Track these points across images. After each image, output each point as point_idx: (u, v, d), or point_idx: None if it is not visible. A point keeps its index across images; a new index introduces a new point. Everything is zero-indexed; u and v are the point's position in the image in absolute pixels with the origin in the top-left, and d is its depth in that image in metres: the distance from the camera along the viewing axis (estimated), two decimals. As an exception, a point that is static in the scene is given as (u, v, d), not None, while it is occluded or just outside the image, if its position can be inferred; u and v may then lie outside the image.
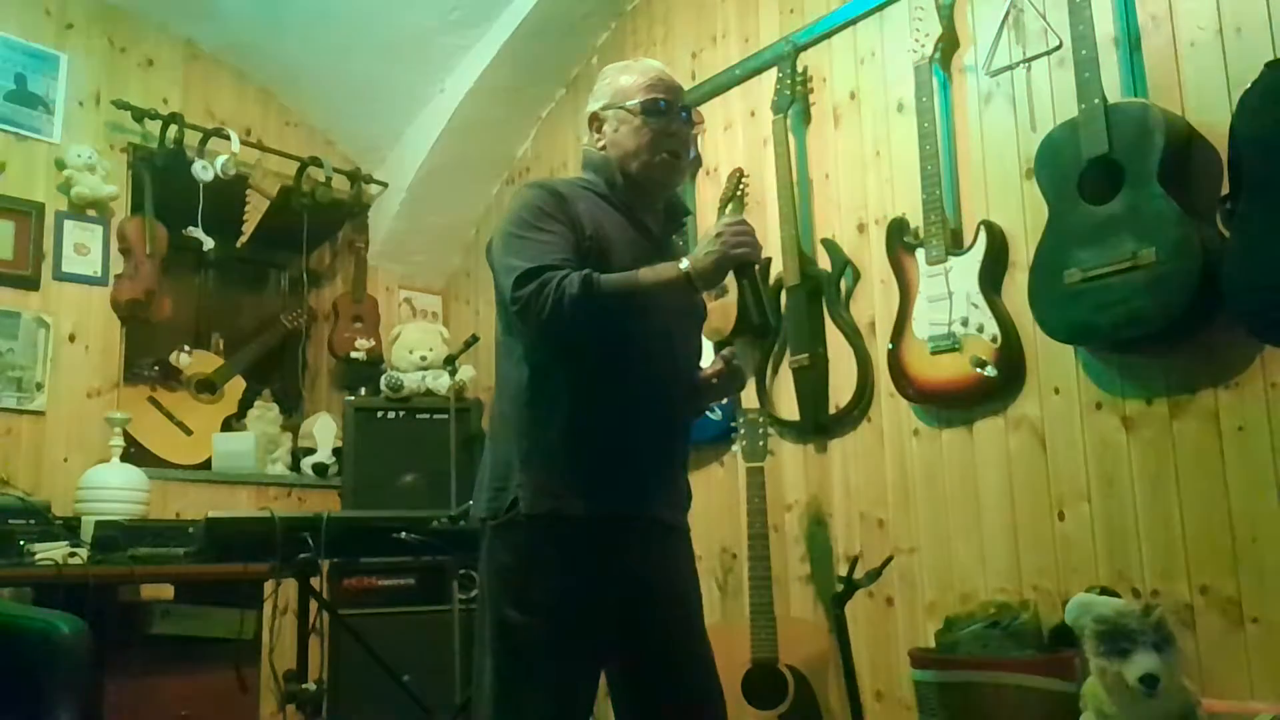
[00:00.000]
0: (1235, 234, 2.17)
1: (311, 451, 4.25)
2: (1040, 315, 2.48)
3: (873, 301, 3.03)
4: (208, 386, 4.29)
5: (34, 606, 2.43)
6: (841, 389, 3.05)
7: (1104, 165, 2.33)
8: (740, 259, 1.71)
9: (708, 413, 3.04)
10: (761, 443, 2.99)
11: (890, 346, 2.85)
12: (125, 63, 3.99)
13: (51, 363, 3.61)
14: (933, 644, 2.57)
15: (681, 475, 1.91)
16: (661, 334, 1.82)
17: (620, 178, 1.88)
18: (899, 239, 2.86)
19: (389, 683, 2.87)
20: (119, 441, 3.45)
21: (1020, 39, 2.71)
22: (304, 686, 2.64)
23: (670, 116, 1.87)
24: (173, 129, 3.91)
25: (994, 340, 2.62)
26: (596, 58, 4.17)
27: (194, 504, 3.74)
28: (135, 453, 3.71)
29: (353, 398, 4.18)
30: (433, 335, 4.36)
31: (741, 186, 3.43)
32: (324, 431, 4.27)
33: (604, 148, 1.90)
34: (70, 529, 3.02)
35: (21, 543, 2.73)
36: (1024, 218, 2.67)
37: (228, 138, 4.02)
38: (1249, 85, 2.17)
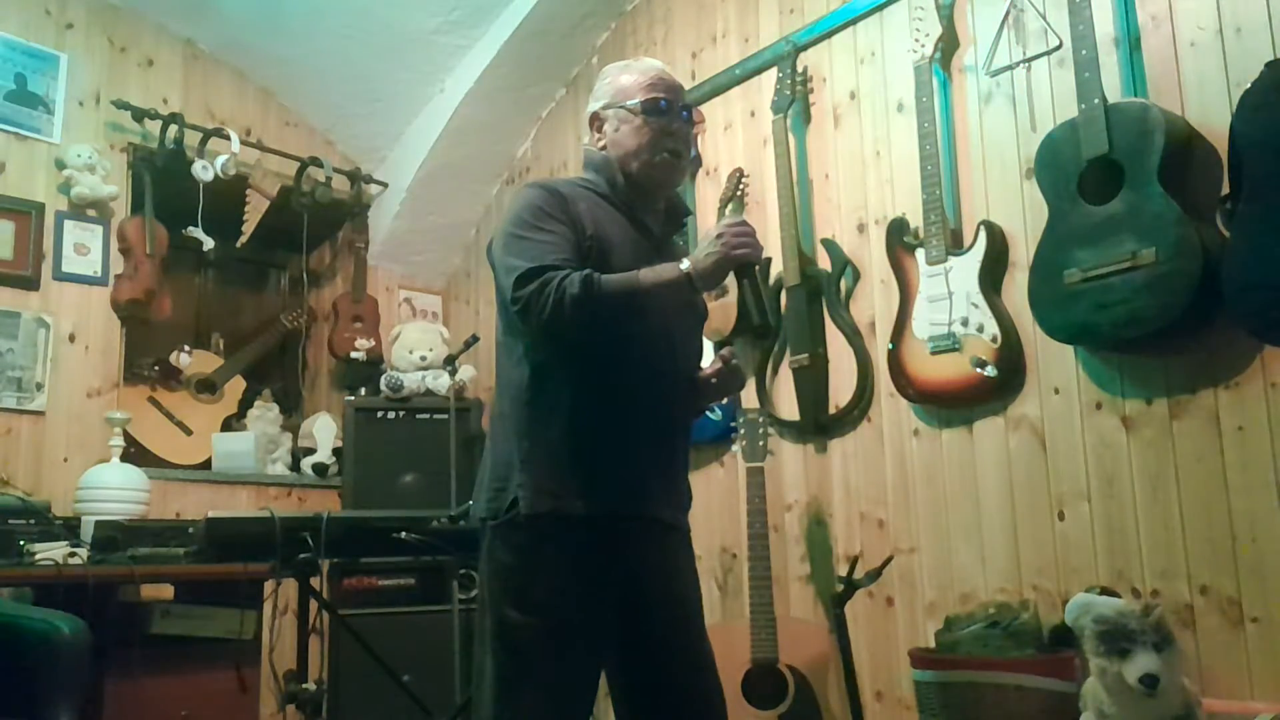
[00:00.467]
0: (1235, 234, 2.17)
1: (311, 451, 4.25)
2: (1040, 315, 2.48)
3: (873, 301, 3.03)
4: (208, 386, 4.29)
5: (34, 606, 2.44)
6: (841, 389, 3.05)
7: (1104, 165, 2.34)
8: (741, 259, 1.71)
9: (708, 413, 3.05)
10: (761, 443, 2.99)
11: (890, 346, 2.85)
12: (125, 63, 3.99)
13: (51, 363, 3.61)
14: (933, 644, 2.57)
15: (682, 476, 1.91)
16: (662, 334, 1.82)
17: (621, 177, 1.88)
18: (899, 239, 2.86)
19: (389, 683, 2.87)
20: (119, 441, 3.45)
21: (1020, 39, 2.71)
22: (304, 686, 2.64)
23: (671, 116, 1.87)
24: (173, 129, 3.92)
25: (994, 340, 2.62)
26: (596, 58, 4.17)
27: (194, 504, 3.74)
28: (135, 453, 3.72)
29: (353, 398, 4.18)
30: (433, 335, 4.36)
31: (741, 186, 3.43)
32: (324, 431, 4.27)
33: (604, 147, 1.90)
34: (70, 529, 3.02)
35: (21, 543, 2.74)
36: (1024, 218, 2.67)
37: (228, 138, 4.02)
38: (1249, 85, 2.17)
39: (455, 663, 3.32)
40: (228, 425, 4.27)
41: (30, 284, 3.62)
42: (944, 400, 2.77)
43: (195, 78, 4.19)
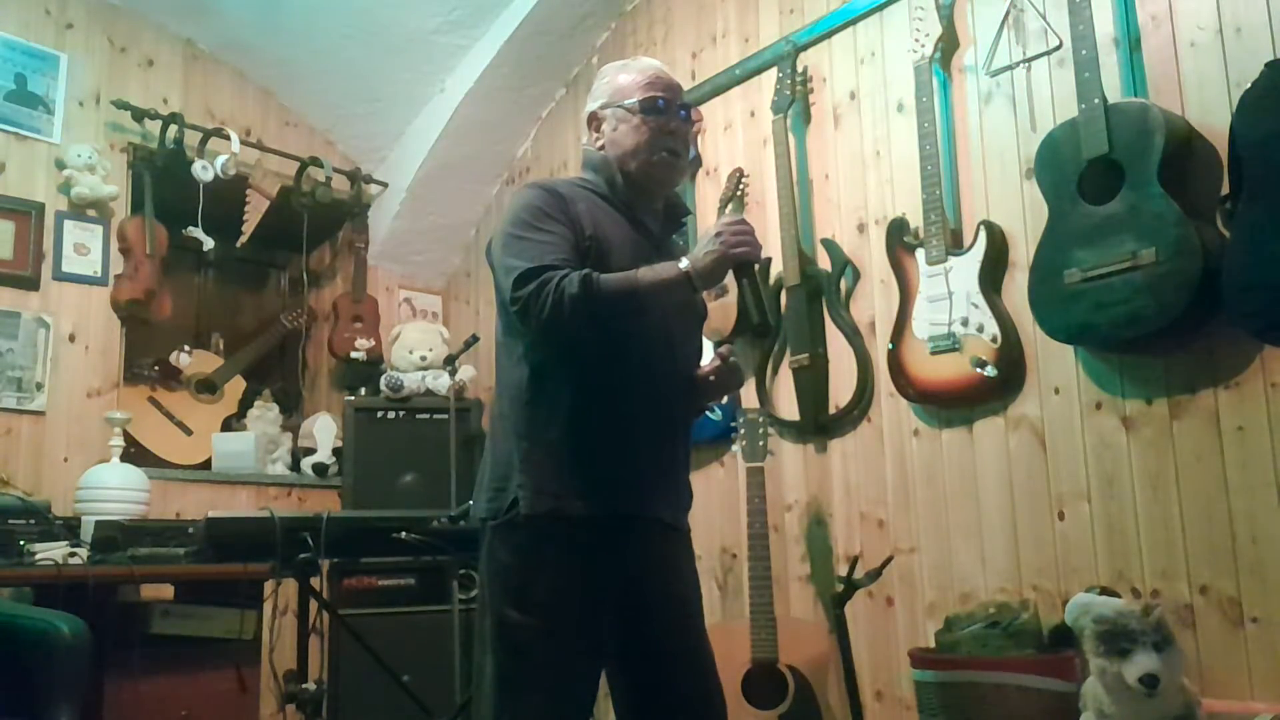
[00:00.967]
0: (1235, 234, 2.17)
1: (311, 451, 4.25)
2: (1040, 315, 2.48)
3: (873, 301, 3.03)
4: (208, 386, 4.29)
5: (34, 606, 2.44)
6: (841, 389, 3.05)
7: (1104, 165, 2.34)
8: (740, 259, 1.71)
9: (707, 413, 3.04)
10: (761, 443, 2.99)
11: (890, 346, 2.85)
12: (125, 63, 3.99)
13: (51, 363, 3.61)
14: (933, 644, 2.57)
15: (682, 475, 1.91)
16: (661, 333, 1.82)
17: (620, 177, 1.87)
18: (899, 239, 2.86)
19: (389, 683, 2.87)
20: (119, 441, 3.45)
21: (1020, 39, 2.71)
22: (304, 686, 2.63)
23: (669, 114, 1.87)
24: (173, 129, 3.91)
25: (994, 340, 2.62)
26: (596, 58, 4.17)
27: (194, 504, 3.74)
28: (135, 453, 3.71)
29: (353, 398, 4.18)
30: (433, 335, 4.36)
31: (741, 186, 3.43)
32: (324, 431, 4.27)
33: (603, 147, 1.89)
34: (70, 529, 3.02)
35: (21, 543, 2.74)
36: (1024, 218, 2.67)
37: (228, 138, 4.02)
38: (1249, 85, 2.17)
39: (455, 663, 3.31)
40: (228, 425, 4.27)
41: (30, 284, 3.62)
42: (944, 400, 2.77)
43: (195, 78, 4.18)
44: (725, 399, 3.30)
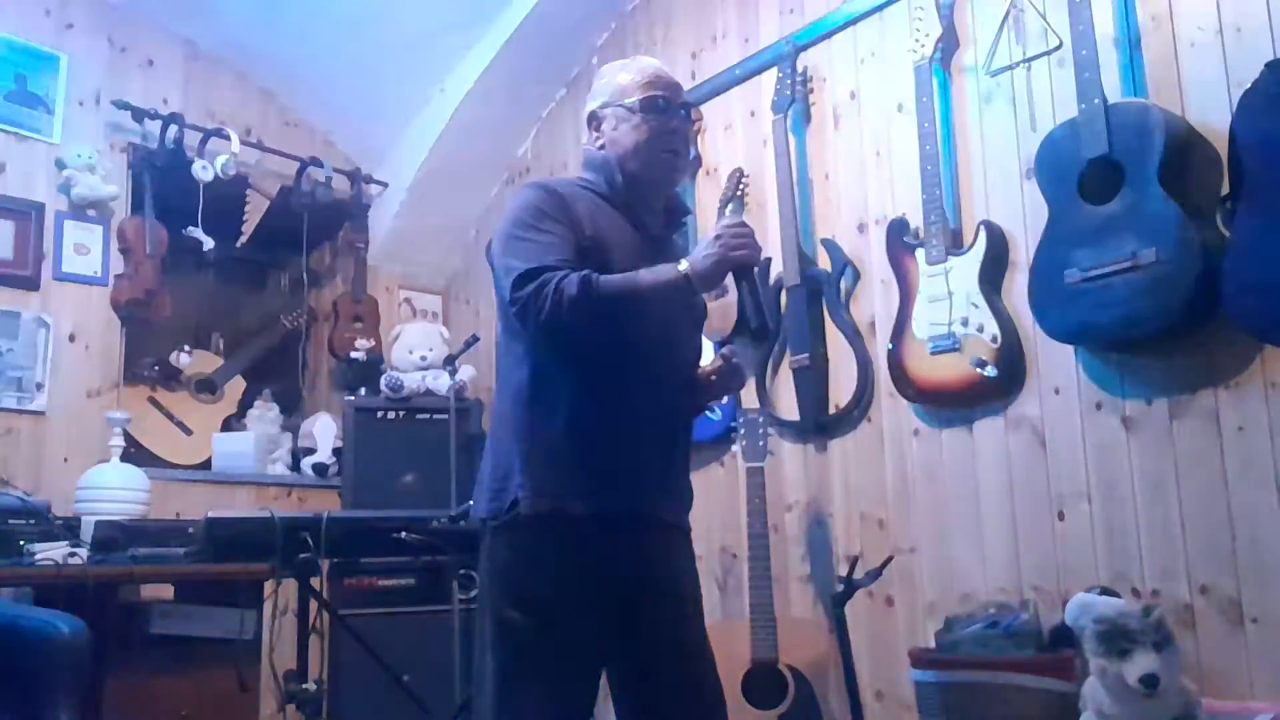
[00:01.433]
0: (1235, 234, 2.17)
1: (311, 451, 4.24)
2: (1040, 315, 2.48)
3: (873, 301, 3.03)
4: (208, 386, 4.29)
5: (34, 606, 2.43)
6: (841, 389, 3.05)
7: (1104, 165, 2.34)
8: (739, 261, 1.71)
9: (707, 412, 3.04)
10: (761, 443, 2.99)
11: (890, 346, 2.85)
12: (125, 63, 3.99)
13: (51, 363, 3.61)
14: (933, 644, 2.57)
15: (683, 474, 1.91)
16: (661, 333, 1.82)
17: (620, 177, 1.87)
18: (899, 239, 2.86)
19: (389, 683, 2.86)
20: (119, 441, 3.44)
21: (1020, 39, 2.71)
22: (304, 686, 2.63)
23: (670, 114, 1.87)
24: (173, 129, 3.91)
25: (994, 340, 2.62)
26: (596, 58, 4.17)
27: (194, 504, 3.73)
28: (135, 453, 3.71)
29: (353, 398, 4.18)
30: (433, 335, 4.36)
31: (741, 186, 3.43)
32: (324, 431, 4.27)
33: (603, 146, 1.89)
34: (70, 529, 3.01)
35: (21, 543, 2.73)
36: (1024, 218, 2.67)
37: (228, 138, 4.02)
38: (1249, 85, 2.17)
39: (455, 663, 3.31)
40: (228, 425, 4.27)
41: (30, 284, 3.62)
42: (944, 400, 2.77)
43: (195, 78, 4.18)
44: (726, 399, 3.31)
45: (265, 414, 4.32)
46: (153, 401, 4.11)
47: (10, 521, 2.85)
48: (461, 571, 3.43)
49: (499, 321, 1.86)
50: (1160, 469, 2.36)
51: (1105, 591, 2.30)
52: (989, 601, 2.54)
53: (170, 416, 4.13)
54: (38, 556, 2.65)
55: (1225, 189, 2.25)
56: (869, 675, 2.88)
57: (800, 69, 3.26)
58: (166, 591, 2.88)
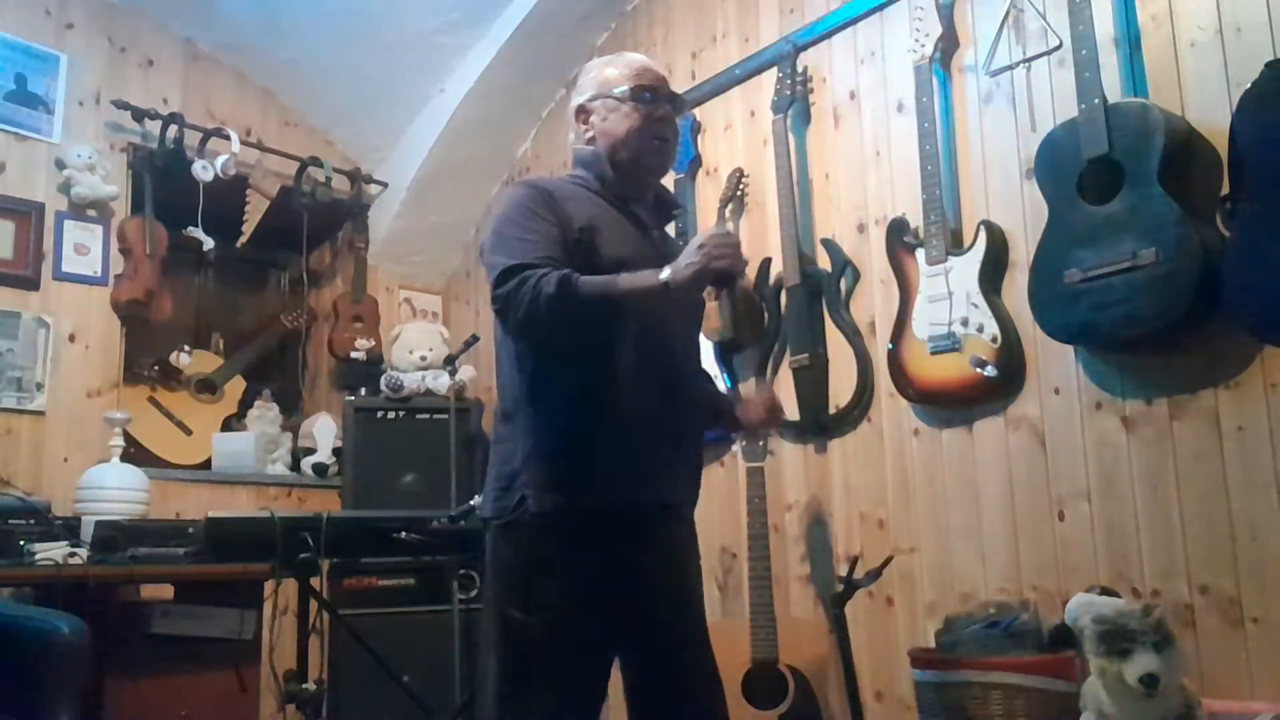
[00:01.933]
0: (1235, 234, 2.17)
1: (311, 451, 4.25)
2: (1040, 315, 2.48)
3: (873, 301, 3.03)
4: (208, 386, 4.29)
5: (34, 606, 2.44)
6: (841, 389, 3.05)
7: (1104, 165, 2.33)
8: (720, 271, 1.69)
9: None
10: (761, 443, 2.99)
11: (890, 346, 2.85)
12: (125, 63, 3.99)
13: (51, 363, 3.61)
14: (933, 644, 2.57)
15: (688, 461, 1.90)
16: (658, 323, 1.82)
17: (611, 170, 1.89)
18: (899, 239, 2.86)
19: (389, 683, 2.87)
20: (119, 441, 3.45)
21: (1020, 39, 2.71)
22: (304, 686, 2.64)
23: (658, 102, 1.90)
24: (173, 129, 3.91)
25: (994, 340, 2.62)
26: (596, 58, 4.17)
27: (194, 504, 3.74)
28: (135, 453, 3.71)
29: (353, 398, 4.18)
30: (433, 335, 4.36)
31: (741, 186, 3.43)
32: (324, 431, 4.27)
33: (593, 139, 1.92)
34: (70, 529, 3.02)
35: (21, 543, 2.74)
36: (1024, 218, 2.67)
37: (228, 138, 4.02)
38: (1249, 85, 2.17)
39: (455, 663, 3.31)
40: (228, 425, 4.27)
41: (30, 284, 3.62)
42: (944, 400, 2.77)
43: (195, 78, 4.18)
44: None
45: (265, 414, 4.32)
46: (153, 401, 4.11)
47: (10, 521, 2.85)
48: (461, 571, 3.44)
49: (497, 321, 1.86)
50: (1160, 469, 2.36)
51: (1105, 591, 2.30)
52: (989, 601, 2.54)
53: (170, 416, 4.13)
54: (38, 556, 2.66)
55: (1225, 189, 2.25)
56: (869, 675, 2.88)
57: (800, 69, 3.26)
58: (166, 591, 2.88)
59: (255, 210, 4.17)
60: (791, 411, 3.16)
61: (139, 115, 3.88)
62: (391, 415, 4.14)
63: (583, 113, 1.94)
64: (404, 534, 2.85)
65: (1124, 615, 2.03)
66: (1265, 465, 2.19)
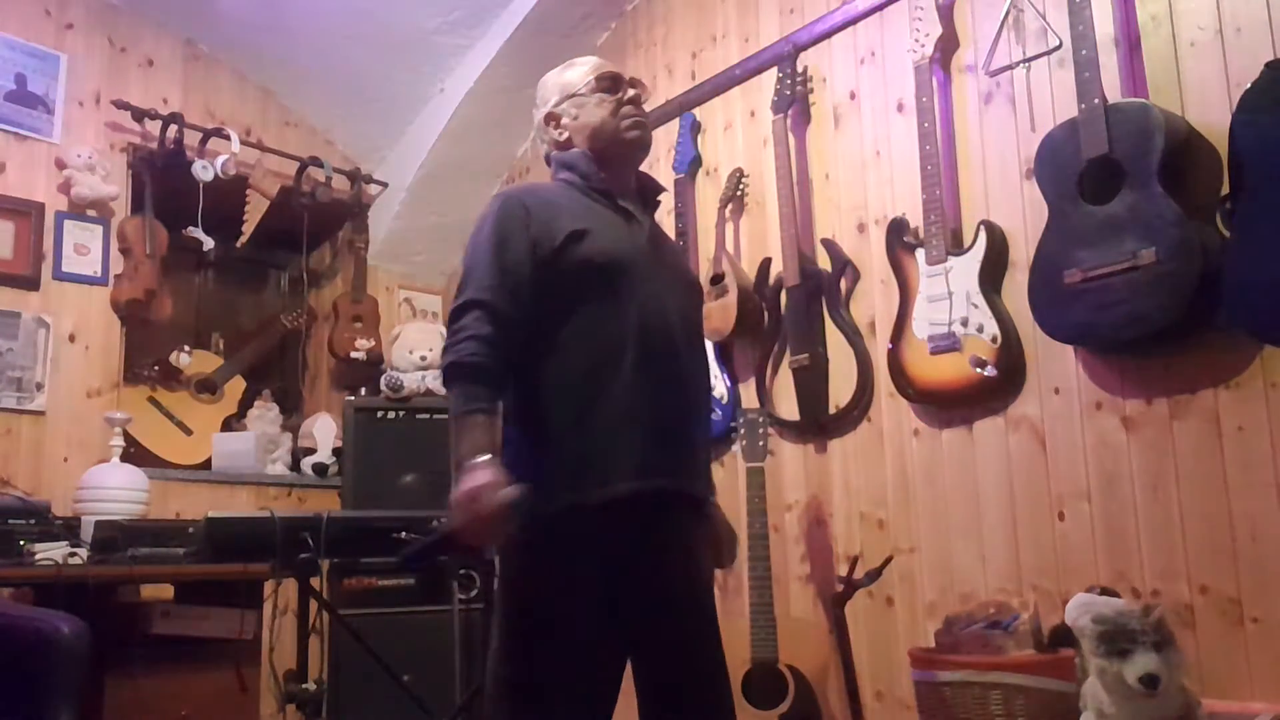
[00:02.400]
0: (1235, 234, 2.17)
1: (311, 451, 4.25)
2: (1040, 315, 2.48)
3: (873, 301, 3.03)
4: (208, 386, 4.29)
5: (34, 606, 2.44)
6: (841, 389, 3.05)
7: (1104, 165, 2.33)
8: (460, 541, 1.66)
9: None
10: (761, 443, 2.99)
11: (890, 346, 2.84)
12: (125, 63, 3.99)
13: (51, 363, 3.61)
14: (933, 644, 2.57)
15: (697, 445, 1.89)
16: (657, 315, 1.82)
17: (593, 166, 1.91)
18: (899, 239, 2.86)
19: (389, 683, 2.86)
20: (119, 441, 3.45)
21: (1020, 39, 2.71)
22: (304, 686, 2.63)
23: (623, 88, 1.95)
24: (173, 129, 3.91)
25: (994, 340, 2.62)
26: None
27: (194, 504, 3.74)
28: (135, 453, 3.71)
29: (353, 398, 4.18)
30: (433, 335, 4.35)
31: (741, 186, 3.43)
32: (324, 431, 4.27)
33: (568, 141, 1.95)
34: (70, 529, 3.02)
35: (21, 543, 2.73)
36: (1024, 218, 2.67)
37: (228, 138, 4.02)
38: (1249, 85, 2.17)
39: (455, 663, 3.31)
40: (228, 425, 4.27)
41: (30, 284, 3.62)
42: (944, 400, 2.77)
43: (195, 78, 4.18)
44: (725, 398, 3.31)
45: (265, 414, 4.32)
46: (153, 401, 4.11)
47: (10, 521, 2.85)
48: (461, 571, 3.44)
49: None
50: (1160, 469, 2.36)
51: (1105, 591, 2.30)
52: (989, 601, 2.54)
53: (170, 416, 4.13)
54: (38, 556, 2.66)
55: (1225, 189, 2.25)
56: (869, 675, 2.88)
57: (800, 69, 3.26)
58: (166, 591, 2.88)
59: (255, 210, 4.17)
60: (791, 411, 3.17)
61: (139, 115, 3.88)
62: (391, 415, 4.13)
63: (552, 119, 1.98)
64: (404, 534, 2.85)
65: (1124, 615, 2.03)
66: (1265, 465, 2.19)
